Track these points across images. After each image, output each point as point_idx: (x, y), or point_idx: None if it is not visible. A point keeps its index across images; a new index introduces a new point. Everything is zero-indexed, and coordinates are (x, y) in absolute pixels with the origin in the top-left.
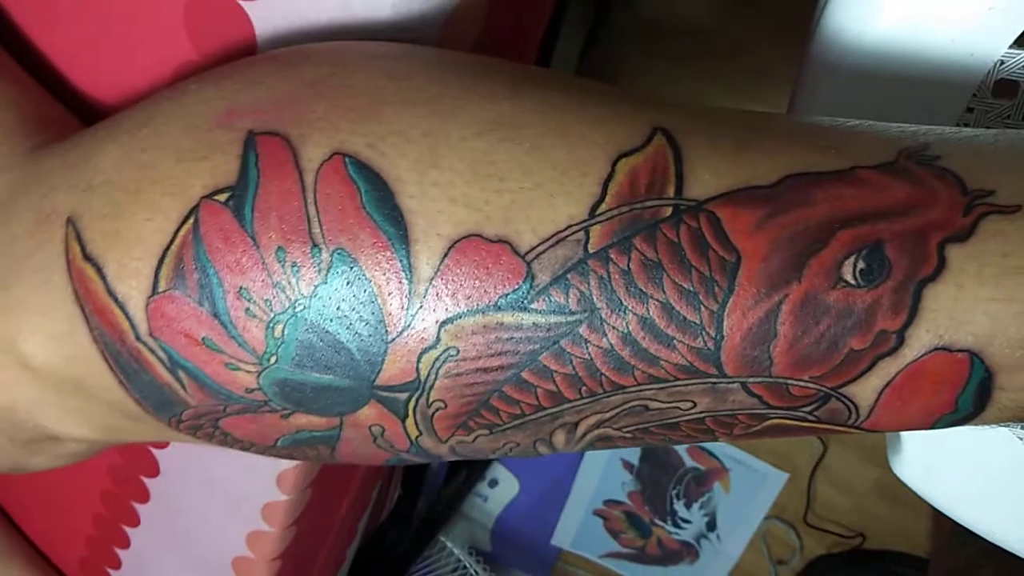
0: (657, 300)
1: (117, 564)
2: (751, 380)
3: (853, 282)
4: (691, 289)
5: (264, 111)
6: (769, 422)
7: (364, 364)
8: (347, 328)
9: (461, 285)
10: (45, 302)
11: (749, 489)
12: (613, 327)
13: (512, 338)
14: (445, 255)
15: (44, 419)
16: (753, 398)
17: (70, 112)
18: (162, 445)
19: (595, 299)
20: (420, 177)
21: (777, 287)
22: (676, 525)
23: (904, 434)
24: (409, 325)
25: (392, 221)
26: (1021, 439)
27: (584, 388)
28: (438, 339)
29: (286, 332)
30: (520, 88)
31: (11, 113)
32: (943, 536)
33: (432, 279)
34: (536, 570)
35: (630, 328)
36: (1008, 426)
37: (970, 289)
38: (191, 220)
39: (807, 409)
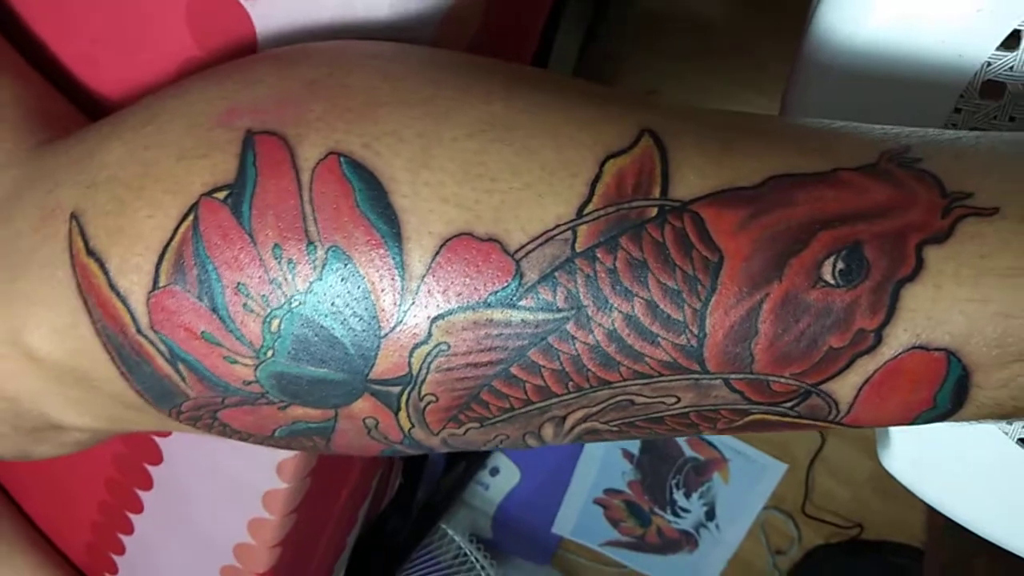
0: (642, 298)
1: (121, 549)
2: (733, 376)
3: (832, 282)
4: (675, 288)
5: (264, 110)
6: (751, 417)
7: (358, 358)
8: (341, 323)
9: (452, 282)
10: (50, 296)
11: (748, 479)
12: (599, 324)
13: (501, 334)
14: (437, 253)
15: (48, 408)
16: (735, 394)
17: (75, 107)
18: (165, 434)
19: (582, 297)
20: (413, 177)
21: (758, 286)
22: (676, 514)
23: (892, 429)
24: (401, 321)
25: (385, 219)
26: (1007, 434)
27: (571, 383)
28: (430, 334)
29: (282, 327)
30: (513, 89)
31: (16, 109)
32: (938, 527)
33: (424, 276)
34: (537, 557)
35: (616, 325)
36: (992, 422)
37: (947, 289)
38: (191, 217)
39: (788, 405)
